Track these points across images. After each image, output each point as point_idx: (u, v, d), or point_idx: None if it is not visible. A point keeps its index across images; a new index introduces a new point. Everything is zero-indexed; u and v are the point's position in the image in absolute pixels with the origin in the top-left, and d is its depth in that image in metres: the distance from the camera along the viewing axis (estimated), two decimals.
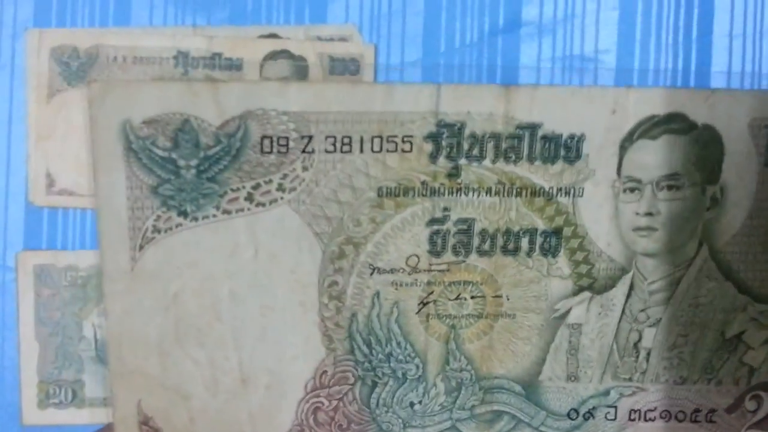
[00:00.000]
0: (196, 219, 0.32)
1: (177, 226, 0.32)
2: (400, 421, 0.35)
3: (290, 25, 0.39)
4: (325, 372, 0.35)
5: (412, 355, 0.35)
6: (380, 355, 0.35)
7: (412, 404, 0.35)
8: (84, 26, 0.40)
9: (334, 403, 0.35)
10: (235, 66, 0.38)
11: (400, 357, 0.35)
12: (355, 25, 0.40)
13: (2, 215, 0.40)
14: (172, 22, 0.40)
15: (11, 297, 0.40)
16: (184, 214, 0.32)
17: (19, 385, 0.41)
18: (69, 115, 0.37)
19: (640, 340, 0.36)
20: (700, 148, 0.34)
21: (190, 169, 0.32)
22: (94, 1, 0.40)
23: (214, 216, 0.32)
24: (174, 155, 0.31)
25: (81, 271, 0.38)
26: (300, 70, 0.38)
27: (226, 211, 0.32)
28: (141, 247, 0.32)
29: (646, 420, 0.36)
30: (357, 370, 0.35)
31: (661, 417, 0.36)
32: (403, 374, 0.35)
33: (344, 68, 0.38)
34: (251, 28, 0.39)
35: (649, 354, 0.36)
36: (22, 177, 0.40)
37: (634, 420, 0.36)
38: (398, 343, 0.35)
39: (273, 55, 0.39)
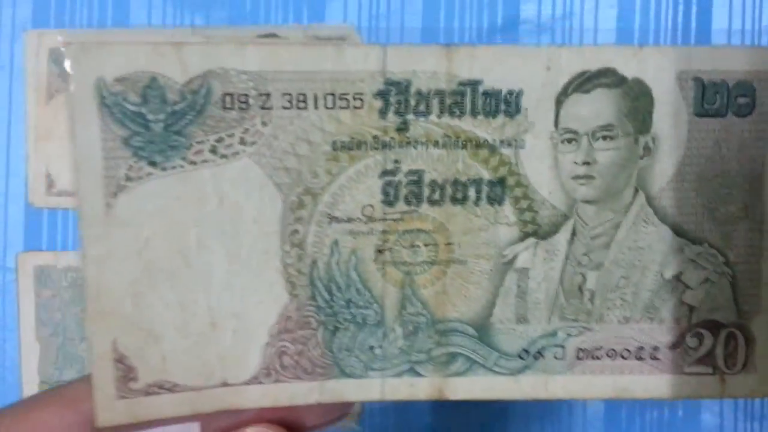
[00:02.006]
0: (164, 169, 0.38)
1: (147, 176, 0.38)
2: (362, 364, 0.41)
3: (289, 25, 0.43)
4: (289, 317, 0.40)
5: (371, 301, 0.40)
6: (341, 301, 0.40)
7: (372, 348, 0.41)
8: (82, 27, 0.43)
9: (299, 347, 0.40)
10: None
11: (360, 303, 0.40)
12: (353, 24, 0.43)
13: (2, 216, 0.44)
14: (171, 22, 0.43)
15: (12, 298, 0.43)
16: (153, 164, 0.38)
17: (20, 386, 0.44)
18: None
19: (584, 282, 0.41)
20: (631, 101, 0.39)
21: (158, 122, 0.38)
22: (93, 2, 0.43)
23: (182, 167, 0.38)
24: (143, 110, 0.37)
25: (81, 271, 0.42)
26: None
27: (193, 162, 0.38)
28: (115, 195, 0.38)
29: (593, 358, 0.41)
30: (319, 315, 0.40)
31: (608, 355, 0.41)
32: (363, 319, 0.40)
33: None
34: (250, 28, 0.43)
35: (593, 295, 0.41)
36: (22, 178, 0.43)
37: (581, 359, 0.41)
38: (357, 290, 0.40)
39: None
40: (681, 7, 0.43)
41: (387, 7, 0.43)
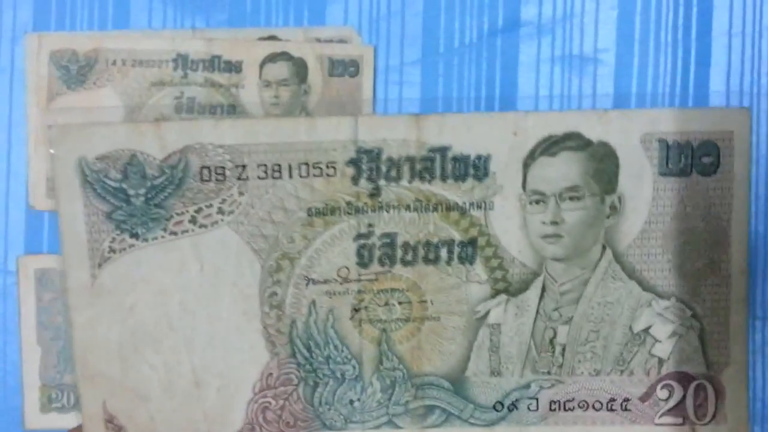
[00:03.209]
0: (146, 240, 0.41)
1: (130, 247, 0.41)
2: (342, 417, 0.43)
3: (289, 27, 0.44)
4: (270, 374, 0.43)
5: (349, 357, 0.43)
6: (320, 358, 0.43)
7: (351, 402, 0.43)
8: (83, 30, 0.44)
9: (281, 402, 0.43)
10: (234, 68, 0.43)
11: (338, 359, 0.43)
12: (354, 26, 0.44)
13: (3, 219, 0.44)
14: (171, 24, 0.44)
15: (13, 301, 0.44)
16: (135, 236, 0.41)
17: (21, 390, 0.44)
18: (69, 118, 0.42)
19: (555, 336, 0.43)
20: (596, 162, 0.42)
21: (139, 197, 0.41)
22: (93, 5, 0.44)
23: (163, 237, 0.41)
24: (124, 185, 0.40)
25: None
26: (299, 72, 0.43)
27: (173, 233, 0.41)
28: (100, 266, 0.41)
29: (565, 410, 0.43)
30: (299, 371, 0.43)
31: (579, 407, 0.43)
32: (342, 375, 0.43)
33: (344, 69, 0.44)
34: (250, 30, 0.44)
35: (564, 349, 0.43)
36: (23, 181, 0.44)
37: (554, 410, 0.44)
38: (335, 347, 0.43)
39: (272, 57, 0.44)
40: (682, 9, 0.43)
41: (387, 9, 0.43)
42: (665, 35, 0.44)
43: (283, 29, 0.44)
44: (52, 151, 0.40)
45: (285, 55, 0.44)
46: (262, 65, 0.43)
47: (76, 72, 0.43)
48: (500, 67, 0.44)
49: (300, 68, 0.44)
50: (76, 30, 0.44)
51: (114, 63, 0.43)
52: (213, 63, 0.43)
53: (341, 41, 0.45)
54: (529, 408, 0.45)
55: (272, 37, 0.44)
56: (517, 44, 0.44)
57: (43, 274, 0.44)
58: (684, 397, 0.45)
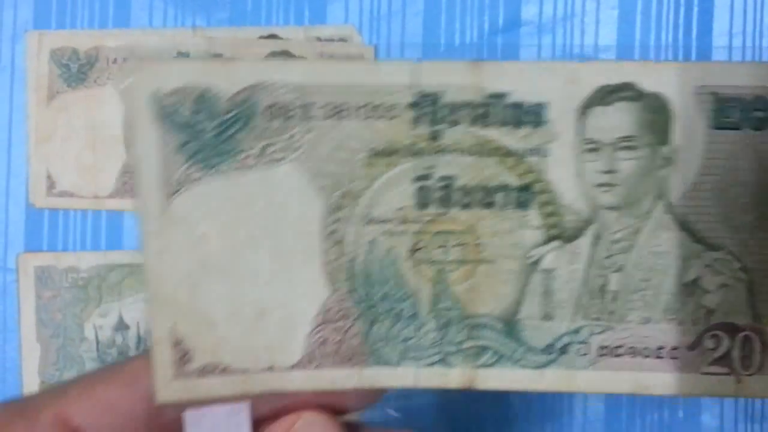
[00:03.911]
0: (215, 173, 0.43)
1: (199, 179, 0.43)
2: (397, 353, 0.46)
3: (290, 26, 0.46)
4: (329, 309, 0.45)
5: (406, 295, 0.45)
6: (377, 295, 0.45)
7: (406, 339, 0.45)
8: (84, 28, 0.46)
9: (339, 336, 0.45)
10: None
11: (395, 297, 0.45)
12: (354, 25, 0.46)
13: (3, 217, 0.46)
14: (172, 23, 0.46)
15: (12, 299, 0.46)
16: (205, 168, 0.43)
17: (20, 387, 0.46)
18: (69, 117, 0.43)
19: (606, 284, 0.45)
20: (650, 113, 0.43)
21: (208, 131, 0.43)
22: (94, 3, 0.46)
23: (231, 171, 0.43)
24: (195, 119, 0.43)
25: (82, 272, 0.45)
26: None
27: (241, 167, 0.43)
28: (170, 196, 0.43)
29: (614, 356, 0.45)
30: (357, 308, 0.45)
31: (628, 353, 0.45)
32: (398, 312, 0.45)
33: None
34: (251, 29, 0.46)
35: (615, 296, 0.45)
36: (23, 179, 0.46)
37: (603, 355, 0.45)
38: (393, 285, 0.45)
39: (273, 56, 0.45)
40: (682, 9, 0.44)
41: (388, 8, 0.45)
42: (666, 35, 0.45)
43: (284, 28, 0.46)
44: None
45: (285, 54, 0.45)
46: None
47: (76, 70, 0.45)
48: None
49: None
50: (76, 28, 0.46)
51: (115, 61, 0.45)
52: None
53: (342, 40, 0.46)
54: (578, 352, 0.46)
55: (273, 36, 0.46)
56: (517, 44, 0.45)
57: (43, 272, 0.45)
58: (731, 347, 0.46)
